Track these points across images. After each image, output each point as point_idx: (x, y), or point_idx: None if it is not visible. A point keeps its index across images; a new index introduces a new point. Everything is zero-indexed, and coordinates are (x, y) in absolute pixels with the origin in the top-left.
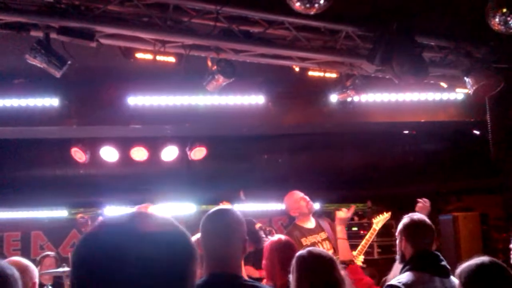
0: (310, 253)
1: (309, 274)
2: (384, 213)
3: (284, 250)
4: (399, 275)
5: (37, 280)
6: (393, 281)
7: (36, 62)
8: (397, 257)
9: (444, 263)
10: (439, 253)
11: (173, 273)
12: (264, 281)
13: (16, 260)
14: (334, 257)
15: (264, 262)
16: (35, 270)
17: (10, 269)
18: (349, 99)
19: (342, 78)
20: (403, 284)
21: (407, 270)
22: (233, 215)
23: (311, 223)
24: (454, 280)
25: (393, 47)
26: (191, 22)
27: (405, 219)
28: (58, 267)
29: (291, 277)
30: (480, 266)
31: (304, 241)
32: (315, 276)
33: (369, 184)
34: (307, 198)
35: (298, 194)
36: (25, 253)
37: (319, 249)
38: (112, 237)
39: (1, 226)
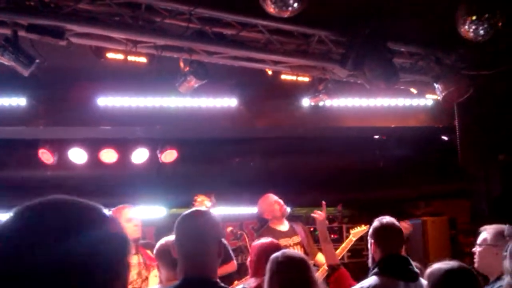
0: (283, 255)
1: (280, 275)
2: (362, 225)
3: (272, 251)
4: (364, 280)
5: None
6: (357, 286)
7: (4, 60)
8: (369, 261)
9: (411, 267)
10: (408, 257)
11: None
12: (248, 277)
13: None
14: (306, 259)
15: (250, 259)
16: None
17: None
18: (321, 103)
19: (314, 82)
20: None
21: (373, 274)
22: (208, 217)
23: (284, 226)
24: (423, 282)
25: (365, 52)
26: (163, 23)
27: (375, 223)
28: None
29: (265, 279)
30: (449, 271)
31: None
32: (285, 277)
33: (339, 188)
34: (281, 201)
35: (273, 197)
36: None
37: (293, 251)
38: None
39: None
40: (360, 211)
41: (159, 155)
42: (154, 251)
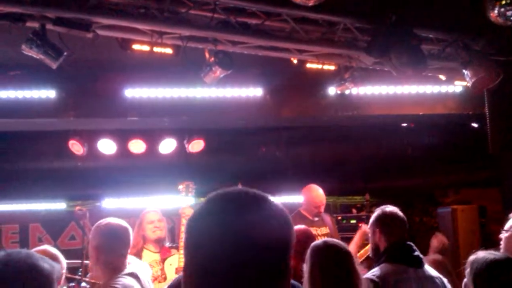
0: (325, 244)
1: (323, 265)
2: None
3: (301, 238)
4: (373, 268)
5: (64, 271)
6: (367, 274)
7: (32, 53)
8: (370, 250)
9: (417, 253)
10: (412, 244)
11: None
12: None
13: (44, 249)
14: (350, 251)
15: None
16: (63, 261)
17: (48, 264)
18: (347, 92)
19: (340, 71)
20: (377, 277)
21: (381, 262)
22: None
23: (316, 216)
24: (428, 269)
25: (392, 39)
26: (188, 13)
27: (378, 212)
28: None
29: (305, 267)
30: (494, 262)
31: None
32: (328, 267)
33: (367, 177)
34: (321, 206)
35: (316, 199)
36: (24, 246)
37: (335, 240)
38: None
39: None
40: (388, 199)
41: (186, 145)
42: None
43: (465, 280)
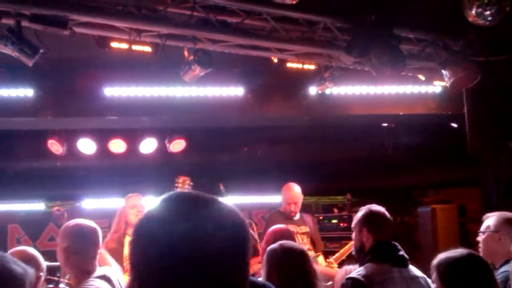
0: (281, 246)
1: (279, 268)
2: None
3: (282, 237)
4: (359, 267)
5: (43, 274)
6: (352, 274)
7: (8, 50)
8: (353, 249)
9: (402, 252)
10: (397, 243)
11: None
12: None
13: (22, 250)
14: (306, 250)
15: (263, 246)
16: (43, 262)
17: (20, 267)
18: (327, 91)
19: (320, 70)
20: (363, 276)
21: (366, 262)
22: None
23: (296, 215)
24: (413, 269)
25: (371, 39)
26: (167, 11)
27: (365, 210)
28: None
29: (262, 271)
30: (459, 259)
31: None
32: (284, 270)
33: (348, 177)
34: (296, 204)
35: (290, 195)
36: (1, 247)
37: (291, 242)
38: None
39: None
40: (369, 199)
41: (167, 145)
42: None
43: (434, 286)
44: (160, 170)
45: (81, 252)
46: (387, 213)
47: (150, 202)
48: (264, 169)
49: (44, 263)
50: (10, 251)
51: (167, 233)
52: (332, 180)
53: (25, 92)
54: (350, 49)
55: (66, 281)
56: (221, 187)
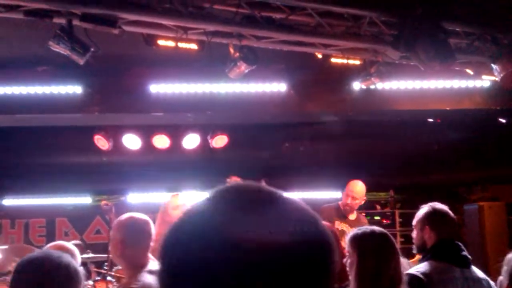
0: (372, 231)
1: (375, 252)
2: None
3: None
4: (418, 264)
5: (81, 267)
6: (411, 270)
7: (60, 49)
8: (415, 246)
9: (465, 253)
10: (460, 243)
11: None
12: None
13: (61, 244)
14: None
15: None
16: (78, 256)
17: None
18: (372, 87)
19: (366, 65)
20: (422, 273)
21: (426, 259)
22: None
23: (352, 215)
24: (476, 271)
25: (419, 33)
26: (212, 8)
27: (427, 208)
28: (82, 253)
29: (350, 258)
30: None
31: (337, 224)
32: (382, 253)
33: (391, 173)
34: (354, 199)
35: (353, 191)
36: (50, 240)
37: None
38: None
39: (27, 213)
40: (413, 196)
41: (210, 140)
42: None
43: (500, 277)
44: (202, 166)
45: (134, 245)
46: (450, 212)
47: (191, 197)
48: (306, 165)
49: (79, 257)
50: (48, 245)
51: (215, 235)
52: (375, 176)
53: (74, 89)
54: (397, 43)
55: (113, 273)
56: (263, 183)
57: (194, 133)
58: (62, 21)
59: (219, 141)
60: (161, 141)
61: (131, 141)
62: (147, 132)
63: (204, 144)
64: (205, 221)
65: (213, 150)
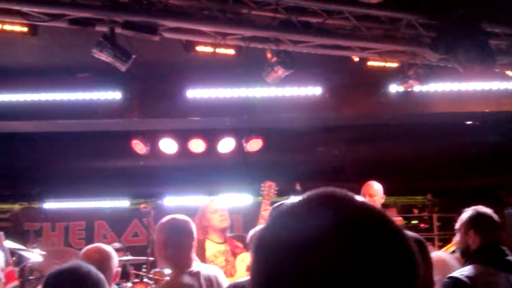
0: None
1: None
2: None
3: None
4: (462, 268)
5: (119, 269)
6: (455, 273)
7: (102, 56)
8: (458, 250)
9: (509, 257)
10: (505, 248)
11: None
12: None
13: (99, 247)
14: None
15: None
16: (115, 258)
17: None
18: (410, 89)
19: (403, 68)
20: (466, 277)
21: (471, 263)
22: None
23: None
24: None
25: (458, 34)
26: (250, 14)
27: (472, 212)
28: (122, 256)
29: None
30: None
31: None
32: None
33: (429, 176)
34: (371, 197)
35: (368, 188)
36: (89, 242)
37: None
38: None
39: (67, 216)
40: (452, 200)
41: (244, 144)
42: (247, 240)
43: None
44: (236, 169)
45: (176, 246)
46: (494, 215)
47: (228, 202)
48: (340, 168)
49: (117, 259)
50: (86, 247)
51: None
52: (411, 180)
53: (113, 95)
54: (436, 45)
55: (151, 275)
56: (297, 187)
57: (229, 137)
58: (104, 29)
59: (254, 145)
60: (197, 145)
61: (168, 146)
62: (183, 136)
63: (239, 148)
64: (302, 226)
65: (248, 154)
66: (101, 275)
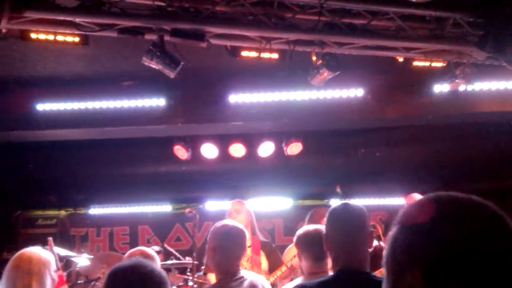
0: None
1: None
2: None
3: None
4: None
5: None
6: None
7: (152, 64)
8: None
9: None
10: None
11: None
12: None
13: (143, 250)
14: None
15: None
16: (158, 261)
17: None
18: (456, 89)
19: (450, 67)
20: None
21: None
22: (361, 209)
23: None
24: None
25: (506, 32)
26: (294, 18)
27: None
28: (166, 260)
29: None
30: None
31: None
32: None
33: (474, 178)
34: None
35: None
36: (134, 247)
37: None
38: None
39: (111, 221)
40: (498, 201)
41: (284, 148)
42: (295, 241)
43: None
44: (277, 173)
45: (225, 252)
46: None
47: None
48: (382, 171)
49: (159, 262)
50: (129, 251)
51: None
52: (456, 182)
53: (158, 102)
54: (483, 44)
55: (195, 279)
56: (338, 189)
57: (269, 141)
58: (152, 37)
59: (294, 148)
60: (237, 150)
61: (208, 151)
62: (223, 141)
63: (279, 151)
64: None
65: (288, 157)
66: (164, 274)
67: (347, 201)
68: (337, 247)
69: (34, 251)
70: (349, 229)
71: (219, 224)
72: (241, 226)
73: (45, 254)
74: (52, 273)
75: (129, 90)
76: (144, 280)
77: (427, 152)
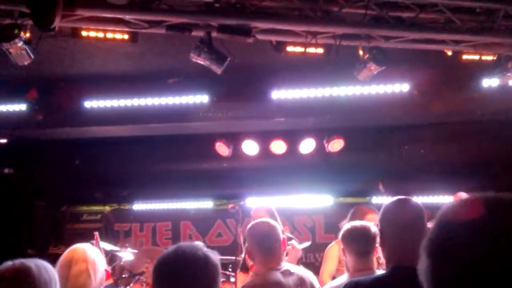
0: None
1: None
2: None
3: None
4: None
5: None
6: None
7: (200, 60)
8: None
9: None
10: None
11: None
12: None
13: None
14: None
15: None
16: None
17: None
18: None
19: (500, 61)
20: None
21: None
22: (418, 205)
23: None
24: None
25: None
26: (341, 12)
27: None
28: None
29: None
30: None
31: None
32: None
33: None
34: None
35: None
36: (175, 242)
37: None
38: None
39: (154, 217)
40: None
41: (325, 145)
42: (340, 237)
43: None
44: (318, 170)
45: (265, 251)
46: None
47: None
48: (426, 168)
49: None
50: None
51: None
52: (502, 180)
53: (201, 98)
54: None
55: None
56: (380, 187)
57: (310, 137)
58: (199, 33)
59: (335, 145)
60: (278, 147)
61: (250, 147)
62: (264, 138)
63: (320, 148)
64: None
65: (329, 154)
66: (211, 254)
67: (403, 196)
68: (393, 243)
69: (87, 245)
70: (409, 225)
71: (252, 223)
72: (273, 222)
73: (96, 250)
74: (105, 266)
75: (174, 87)
76: (188, 265)
77: (474, 149)
